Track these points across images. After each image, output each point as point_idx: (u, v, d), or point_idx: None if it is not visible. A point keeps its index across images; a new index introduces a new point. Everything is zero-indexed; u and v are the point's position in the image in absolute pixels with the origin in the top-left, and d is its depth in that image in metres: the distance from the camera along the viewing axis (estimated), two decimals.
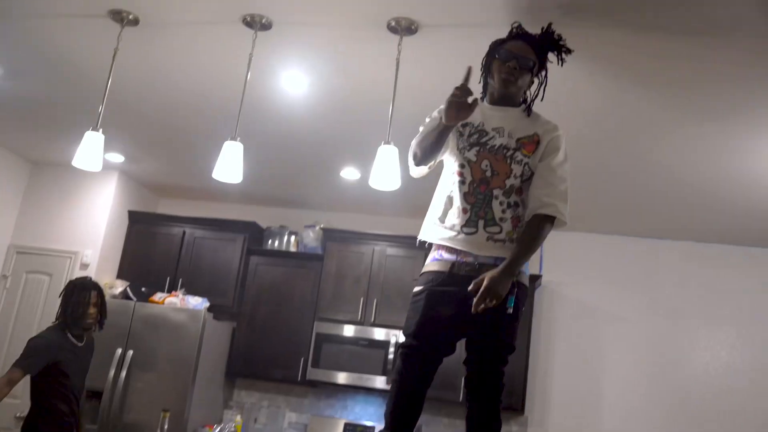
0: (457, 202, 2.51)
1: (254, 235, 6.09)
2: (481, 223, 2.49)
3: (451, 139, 2.56)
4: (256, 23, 3.33)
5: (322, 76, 3.81)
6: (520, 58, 2.52)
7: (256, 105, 4.08)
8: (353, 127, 4.41)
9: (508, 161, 2.51)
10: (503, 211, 2.49)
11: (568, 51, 2.65)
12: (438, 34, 3.22)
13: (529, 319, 5.49)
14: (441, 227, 2.54)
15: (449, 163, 2.61)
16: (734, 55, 3.05)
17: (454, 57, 3.25)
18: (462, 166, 2.54)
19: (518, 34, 2.61)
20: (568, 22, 2.87)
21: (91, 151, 3.40)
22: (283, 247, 6.05)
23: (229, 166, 3.23)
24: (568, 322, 5.78)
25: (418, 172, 2.64)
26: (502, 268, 2.37)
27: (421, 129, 2.61)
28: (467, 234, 2.48)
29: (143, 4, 3.33)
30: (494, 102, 2.61)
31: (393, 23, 3.17)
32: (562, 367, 5.70)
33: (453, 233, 2.50)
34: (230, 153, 3.25)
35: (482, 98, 2.63)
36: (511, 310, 2.40)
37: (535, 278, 5.57)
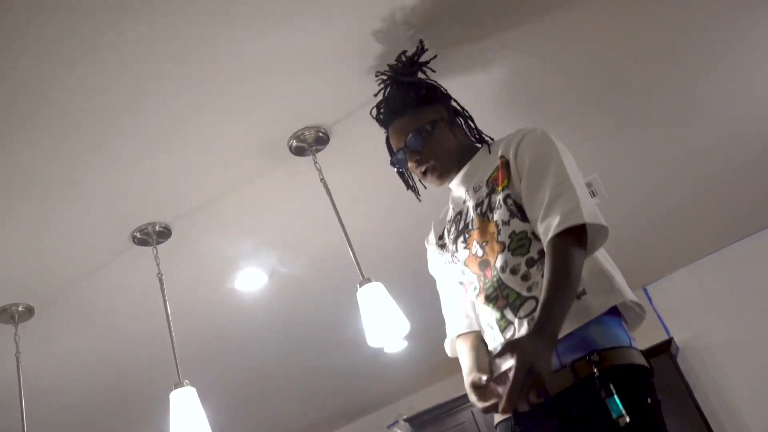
0: (482, 318, 1.72)
1: None
2: (509, 313, 1.61)
3: (437, 262, 1.90)
4: (150, 236, 2.61)
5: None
6: (408, 142, 1.84)
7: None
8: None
9: (488, 216, 1.69)
10: (524, 277, 1.59)
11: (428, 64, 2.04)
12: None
13: (690, 407, 4.08)
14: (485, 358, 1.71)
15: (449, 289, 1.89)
16: None
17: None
18: (462, 274, 1.77)
19: (382, 117, 1.98)
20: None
21: None
22: None
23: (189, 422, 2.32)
24: (747, 382, 4.27)
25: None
26: (532, 329, 1.44)
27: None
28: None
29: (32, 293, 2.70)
30: (453, 178, 1.87)
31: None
32: None
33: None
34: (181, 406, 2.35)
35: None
36: (626, 418, 1.36)
37: (665, 346, 4.31)
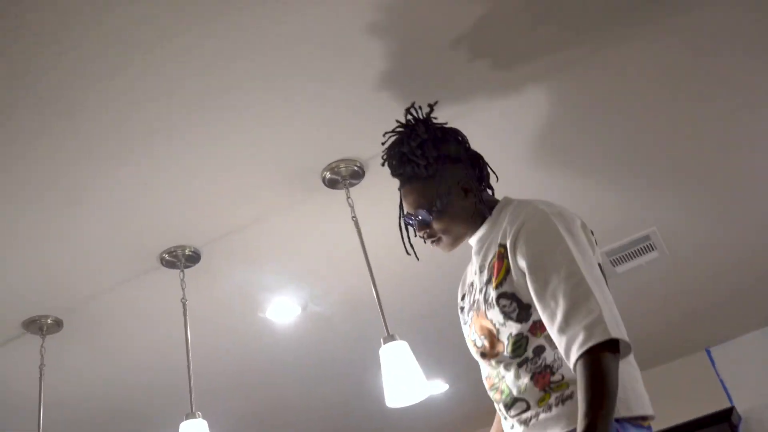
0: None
1: None
2: (502, 408, 1.57)
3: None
4: (179, 259, 2.56)
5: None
6: (417, 212, 1.69)
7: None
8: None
9: (485, 310, 1.57)
10: (517, 376, 1.51)
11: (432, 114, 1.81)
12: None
13: None
14: None
15: None
16: None
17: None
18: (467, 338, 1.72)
19: (395, 174, 1.78)
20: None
21: None
22: None
23: None
24: None
25: None
26: None
27: None
28: None
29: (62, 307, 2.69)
30: (470, 236, 1.75)
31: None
32: None
33: None
34: None
35: None
36: None
37: (726, 414, 3.98)
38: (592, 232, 1.60)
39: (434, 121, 1.81)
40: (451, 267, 2.01)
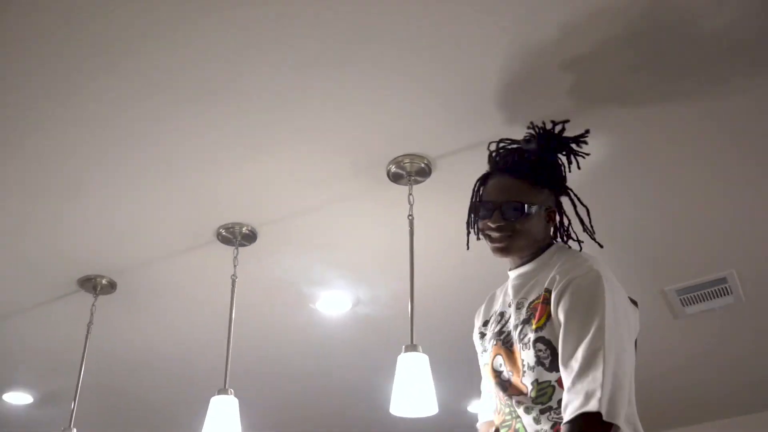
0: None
1: None
2: None
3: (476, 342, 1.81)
4: (235, 236, 2.55)
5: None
6: (504, 205, 1.66)
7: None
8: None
9: (517, 347, 1.59)
10: (537, 421, 1.51)
11: (582, 140, 1.84)
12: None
13: None
14: None
15: None
16: None
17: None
18: (483, 377, 1.75)
19: (497, 165, 1.78)
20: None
21: None
22: None
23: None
24: None
25: None
26: None
27: None
28: None
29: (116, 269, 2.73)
30: (511, 265, 1.74)
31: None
32: None
33: None
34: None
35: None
36: None
37: None
38: (636, 304, 1.61)
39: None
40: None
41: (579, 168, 1.86)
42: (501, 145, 1.84)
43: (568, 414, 1.39)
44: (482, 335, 1.74)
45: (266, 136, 2.15)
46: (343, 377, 3.58)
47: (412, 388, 1.94)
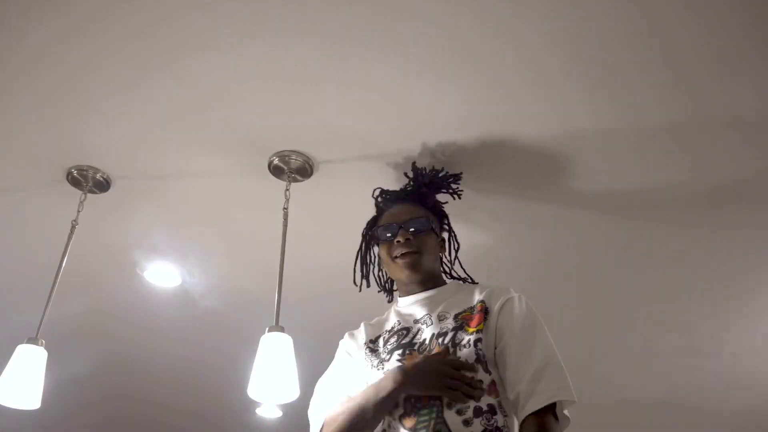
0: None
1: None
2: None
3: (360, 368, 1.77)
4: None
5: None
6: (408, 223, 1.86)
7: None
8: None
9: (450, 350, 1.65)
10: (466, 422, 1.54)
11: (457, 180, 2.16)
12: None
13: None
14: None
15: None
16: None
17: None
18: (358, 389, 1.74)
19: (388, 199, 2.04)
20: None
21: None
22: None
23: None
24: None
25: None
26: None
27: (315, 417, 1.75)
28: None
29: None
30: (410, 292, 1.88)
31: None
32: None
33: None
34: None
35: (389, 300, 2.05)
36: None
37: None
38: None
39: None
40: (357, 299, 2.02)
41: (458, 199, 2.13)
42: (386, 191, 2.07)
43: (539, 402, 1.51)
44: (372, 350, 1.78)
45: (157, 87, 2.03)
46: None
47: (275, 371, 1.90)
